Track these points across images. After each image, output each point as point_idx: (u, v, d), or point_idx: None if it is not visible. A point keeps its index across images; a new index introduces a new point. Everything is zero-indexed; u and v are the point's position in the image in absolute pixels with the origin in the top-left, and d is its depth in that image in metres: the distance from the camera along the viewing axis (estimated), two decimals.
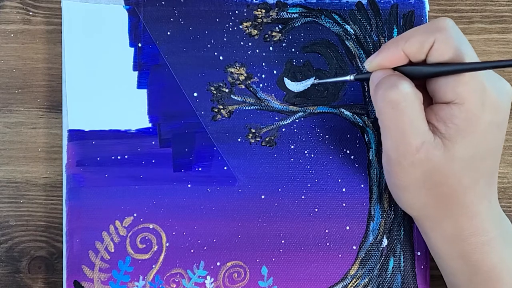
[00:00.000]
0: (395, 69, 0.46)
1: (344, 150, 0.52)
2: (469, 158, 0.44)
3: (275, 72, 0.52)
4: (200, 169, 0.51)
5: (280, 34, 0.53)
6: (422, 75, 0.45)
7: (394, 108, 0.44)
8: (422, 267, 0.51)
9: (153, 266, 0.51)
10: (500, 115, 0.45)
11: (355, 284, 0.51)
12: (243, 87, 0.52)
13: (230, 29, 0.52)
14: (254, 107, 0.52)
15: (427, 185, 0.45)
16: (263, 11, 0.53)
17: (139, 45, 0.52)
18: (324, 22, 0.53)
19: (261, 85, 0.52)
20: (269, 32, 0.53)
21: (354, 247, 0.51)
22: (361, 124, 0.52)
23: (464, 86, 0.43)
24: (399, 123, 0.44)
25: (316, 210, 0.51)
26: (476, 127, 0.44)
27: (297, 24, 0.53)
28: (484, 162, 0.45)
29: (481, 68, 0.42)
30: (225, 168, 0.51)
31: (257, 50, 0.53)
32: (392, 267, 0.51)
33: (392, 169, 0.46)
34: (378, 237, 0.51)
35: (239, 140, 0.52)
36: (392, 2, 0.53)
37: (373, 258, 0.51)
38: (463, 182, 0.45)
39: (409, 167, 0.45)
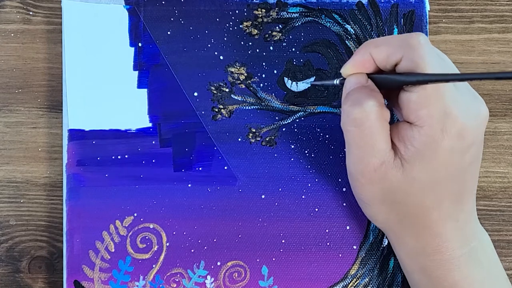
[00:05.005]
0: (369, 76, 0.45)
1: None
2: (430, 181, 0.43)
3: (275, 71, 0.52)
4: (200, 168, 0.51)
5: (280, 34, 0.53)
6: (392, 85, 0.44)
7: (356, 126, 0.43)
8: None
9: (154, 265, 0.51)
10: (465, 141, 0.42)
11: (356, 283, 0.51)
12: (244, 86, 0.52)
13: (231, 28, 0.52)
14: (254, 107, 0.52)
15: (387, 202, 0.45)
16: (264, 10, 0.53)
17: (140, 44, 0.52)
18: (325, 22, 0.53)
19: (261, 84, 0.52)
20: (270, 32, 0.53)
21: (355, 247, 0.51)
22: None
23: (425, 109, 0.42)
24: (360, 142, 0.44)
25: (317, 209, 0.51)
26: (435, 153, 0.42)
27: (297, 24, 0.53)
28: (448, 186, 0.44)
29: (446, 80, 0.40)
30: (226, 167, 0.51)
31: (258, 50, 0.53)
32: (393, 267, 0.51)
33: (352, 183, 0.47)
34: (379, 236, 0.51)
35: (239, 139, 0.52)
36: (392, 1, 0.53)
37: (373, 257, 0.51)
38: (425, 203, 0.44)
39: (367, 185, 0.45)
